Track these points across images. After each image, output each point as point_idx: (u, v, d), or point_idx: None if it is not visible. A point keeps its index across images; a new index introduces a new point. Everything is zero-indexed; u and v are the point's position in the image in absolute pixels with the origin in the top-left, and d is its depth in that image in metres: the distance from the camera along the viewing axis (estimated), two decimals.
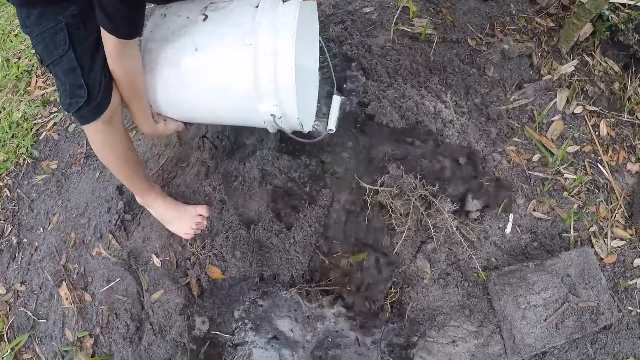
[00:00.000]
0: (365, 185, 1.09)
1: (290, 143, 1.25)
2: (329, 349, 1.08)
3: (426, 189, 1.04)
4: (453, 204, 1.11)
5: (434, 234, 1.08)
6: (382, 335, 1.09)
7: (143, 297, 1.15)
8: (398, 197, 1.02)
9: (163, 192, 1.15)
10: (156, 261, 1.16)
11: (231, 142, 1.23)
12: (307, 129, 0.88)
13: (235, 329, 1.10)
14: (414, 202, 1.01)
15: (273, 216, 1.12)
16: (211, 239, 1.12)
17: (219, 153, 1.22)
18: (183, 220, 1.13)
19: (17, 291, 1.37)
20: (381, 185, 1.06)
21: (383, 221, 1.07)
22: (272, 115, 0.81)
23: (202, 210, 1.15)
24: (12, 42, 1.87)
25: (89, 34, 0.81)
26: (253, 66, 0.80)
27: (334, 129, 0.88)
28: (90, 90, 0.80)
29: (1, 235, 1.43)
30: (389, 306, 1.07)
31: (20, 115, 1.58)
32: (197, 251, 1.14)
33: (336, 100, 0.90)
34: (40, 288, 1.32)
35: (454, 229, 1.10)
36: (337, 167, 1.18)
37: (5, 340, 1.35)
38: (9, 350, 1.32)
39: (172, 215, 1.13)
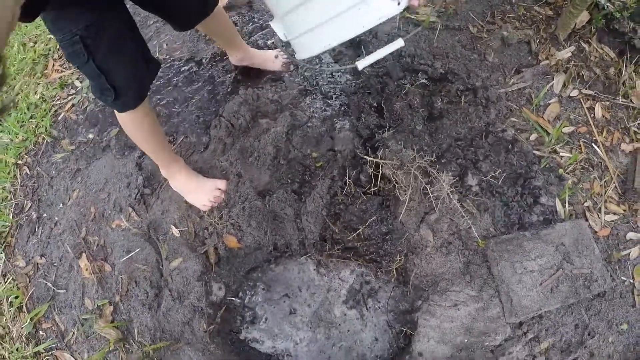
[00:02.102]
0: (367, 157, 1.23)
1: (301, 123, 1.39)
2: (335, 309, 1.21)
3: (425, 161, 1.18)
4: (454, 179, 1.25)
5: (435, 206, 1.22)
6: (388, 300, 1.22)
7: (162, 266, 1.28)
8: (400, 169, 1.15)
9: (186, 165, 1.29)
10: (175, 231, 1.29)
11: (247, 120, 1.36)
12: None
13: (250, 292, 1.24)
14: (413, 172, 1.14)
15: (286, 188, 1.25)
16: (228, 210, 1.26)
17: (235, 131, 1.36)
18: (202, 193, 1.26)
19: (37, 264, 1.50)
20: (382, 159, 1.20)
21: (388, 192, 1.21)
22: None
23: (221, 184, 1.29)
24: (27, 27, 2.00)
25: (107, 40, 0.87)
26: None
27: (361, 68, 0.78)
28: (117, 90, 0.92)
29: (21, 211, 1.56)
30: (394, 272, 1.20)
31: (38, 97, 1.71)
32: (215, 222, 1.27)
33: (398, 42, 0.75)
34: (60, 260, 1.45)
35: (455, 201, 1.24)
36: (344, 146, 1.32)
37: (25, 311, 1.48)
38: (28, 320, 1.45)
39: (192, 187, 1.26)
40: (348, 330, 1.23)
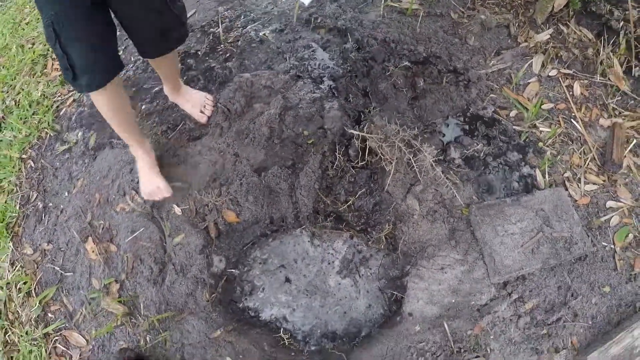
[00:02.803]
0: (353, 131, 1.35)
1: (293, 105, 1.51)
2: (330, 280, 1.32)
3: (407, 134, 1.30)
4: (437, 151, 1.37)
5: (421, 177, 1.33)
6: (379, 267, 1.33)
7: (165, 243, 1.39)
8: (385, 141, 1.27)
9: (149, 152, 1.42)
10: (177, 210, 1.40)
11: (242, 105, 1.49)
12: None
13: (248, 264, 1.35)
14: (397, 145, 1.26)
15: (281, 164, 1.37)
16: (227, 187, 1.37)
17: (231, 115, 1.48)
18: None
19: (44, 250, 1.61)
20: (368, 133, 1.32)
21: (375, 165, 1.33)
22: None
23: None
24: (24, 29, 2.13)
25: (70, 28, 1.03)
26: None
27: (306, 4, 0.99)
28: (75, 72, 1.07)
29: (27, 202, 1.67)
30: (384, 239, 1.31)
31: (39, 94, 1.84)
32: (214, 199, 1.38)
33: None
34: (67, 245, 1.56)
35: (439, 172, 1.36)
36: (333, 124, 1.44)
37: (34, 295, 1.58)
38: (37, 304, 1.55)
39: (143, 176, 1.40)
40: (342, 298, 1.33)
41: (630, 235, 1.43)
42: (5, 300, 1.58)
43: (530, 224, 1.32)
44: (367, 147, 1.32)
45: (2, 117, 1.85)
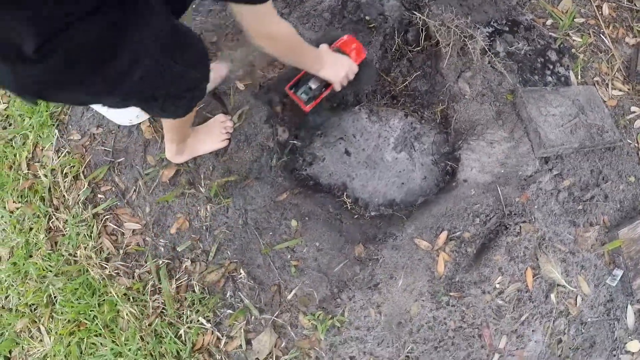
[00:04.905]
0: (415, 13, 1.57)
1: None
2: (386, 154, 1.54)
3: (462, 22, 1.54)
4: (484, 41, 1.63)
5: (473, 61, 1.58)
6: (432, 143, 1.57)
7: (228, 113, 1.57)
8: (442, 25, 1.52)
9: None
10: (240, 86, 1.59)
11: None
12: None
13: (310, 136, 1.55)
14: (453, 29, 1.50)
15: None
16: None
17: (291, 2, 1.69)
18: (212, 135, 1.47)
19: (93, 134, 1.72)
20: (427, 17, 1.56)
21: (431, 50, 1.58)
22: None
23: (220, 117, 1.50)
24: None
25: None
26: None
27: None
28: None
29: None
30: (438, 114, 1.55)
31: None
32: (278, 74, 1.58)
33: None
34: (118, 127, 1.70)
35: (486, 62, 1.62)
36: (392, 12, 1.67)
37: (82, 177, 1.71)
38: (85, 185, 1.66)
39: (201, 138, 1.45)
40: (399, 170, 1.57)
41: None
42: (49, 187, 1.69)
43: (568, 109, 1.59)
44: (424, 32, 1.56)
45: None
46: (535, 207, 1.49)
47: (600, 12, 1.97)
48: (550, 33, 1.82)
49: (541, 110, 1.54)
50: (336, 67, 1.35)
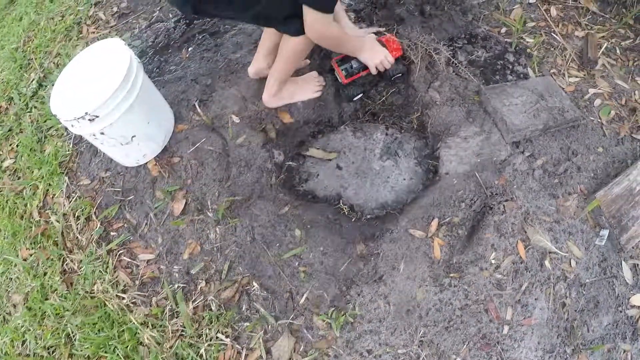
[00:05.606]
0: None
1: None
2: (374, 164, 1.74)
3: (426, 37, 1.80)
4: (449, 53, 1.88)
5: (440, 73, 1.82)
6: (413, 148, 1.77)
7: (228, 146, 1.77)
8: (409, 44, 1.77)
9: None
10: (236, 119, 1.80)
11: None
12: None
13: (302, 157, 1.75)
14: (420, 45, 1.75)
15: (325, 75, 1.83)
16: None
17: None
18: (309, 85, 1.81)
19: (102, 178, 1.89)
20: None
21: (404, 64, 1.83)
22: None
23: (314, 73, 1.84)
24: (48, 7, 2.55)
25: None
26: None
27: None
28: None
29: (80, 140, 2.01)
30: (414, 121, 1.76)
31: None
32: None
33: None
34: (126, 169, 1.89)
35: (451, 72, 1.86)
36: None
37: (94, 218, 1.87)
38: (98, 225, 1.80)
39: (299, 87, 1.77)
40: (387, 176, 1.75)
41: (613, 112, 1.94)
42: (62, 230, 1.80)
43: (529, 98, 1.80)
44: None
45: (44, 76, 2.23)
46: (515, 186, 1.67)
47: (549, 15, 2.25)
48: (505, 39, 2.07)
49: (504, 102, 1.76)
50: (373, 52, 1.70)
